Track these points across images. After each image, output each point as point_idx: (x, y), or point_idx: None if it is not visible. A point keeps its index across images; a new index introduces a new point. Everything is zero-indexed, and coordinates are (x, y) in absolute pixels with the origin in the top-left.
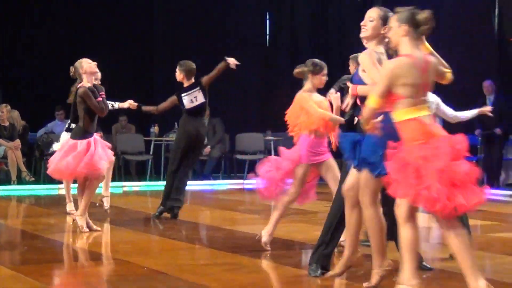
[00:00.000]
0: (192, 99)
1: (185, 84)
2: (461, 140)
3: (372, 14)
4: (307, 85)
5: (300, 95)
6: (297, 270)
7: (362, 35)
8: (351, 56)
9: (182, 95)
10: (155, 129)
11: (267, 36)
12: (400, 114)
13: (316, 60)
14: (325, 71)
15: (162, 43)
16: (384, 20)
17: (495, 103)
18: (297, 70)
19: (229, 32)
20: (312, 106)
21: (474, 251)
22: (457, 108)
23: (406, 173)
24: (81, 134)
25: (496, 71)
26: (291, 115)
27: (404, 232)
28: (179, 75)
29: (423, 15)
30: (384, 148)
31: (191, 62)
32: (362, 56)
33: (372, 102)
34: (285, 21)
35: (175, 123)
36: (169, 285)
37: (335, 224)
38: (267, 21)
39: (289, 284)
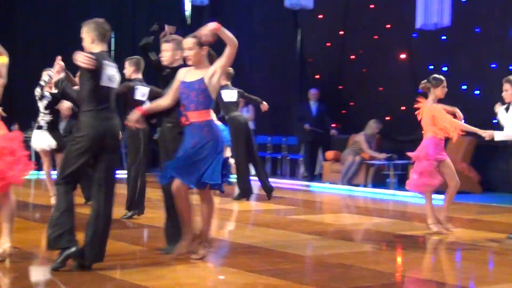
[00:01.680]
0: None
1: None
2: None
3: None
4: (431, 96)
5: (432, 106)
6: None
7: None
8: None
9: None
10: (15, 127)
11: (113, 52)
12: None
13: (436, 75)
14: (445, 83)
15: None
16: None
17: (318, 108)
18: (421, 85)
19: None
20: (445, 115)
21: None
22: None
23: None
24: None
25: (299, 86)
26: (425, 122)
27: None
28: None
29: None
30: None
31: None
32: None
33: None
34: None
35: (32, 122)
36: None
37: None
38: (112, 39)
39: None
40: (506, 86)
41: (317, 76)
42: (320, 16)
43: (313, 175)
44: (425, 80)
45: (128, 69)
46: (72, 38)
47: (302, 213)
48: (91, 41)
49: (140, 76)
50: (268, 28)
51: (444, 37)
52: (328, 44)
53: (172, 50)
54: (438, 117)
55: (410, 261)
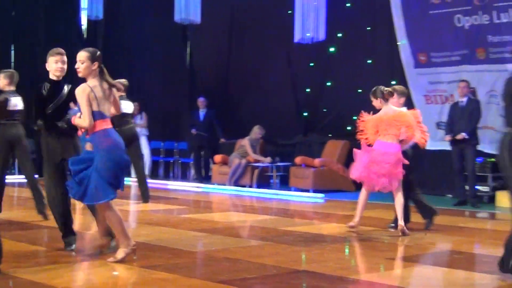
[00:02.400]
0: None
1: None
2: None
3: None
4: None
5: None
6: None
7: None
8: None
9: None
10: None
11: (12, 64)
12: None
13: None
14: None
15: None
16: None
17: (206, 115)
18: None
19: None
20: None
21: None
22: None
23: None
24: None
25: (188, 95)
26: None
27: None
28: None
29: None
30: None
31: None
32: None
33: None
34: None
35: None
36: None
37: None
38: (12, 51)
39: None
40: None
41: (206, 85)
42: (208, 30)
43: (202, 177)
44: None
45: (2, 81)
46: None
47: (193, 212)
48: None
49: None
50: (160, 41)
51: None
52: (216, 56)
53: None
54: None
55: (290, 254)
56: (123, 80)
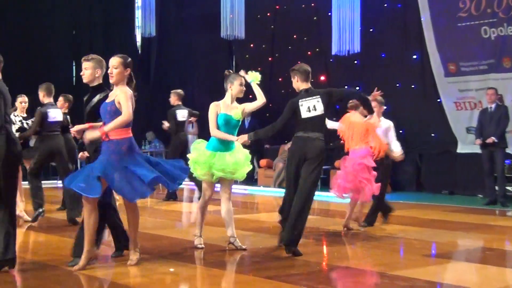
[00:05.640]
0: None
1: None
2: None
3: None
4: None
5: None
6: None
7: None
8: None
9: None
10: None
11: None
12: None
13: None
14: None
15: None
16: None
17: (250, 123)
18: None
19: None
20: None
21: None
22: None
23: None
24: None
25: None
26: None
27: None
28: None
29: None
30: None
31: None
32: None
33: None
34: None
35: None
36: None
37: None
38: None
39: None
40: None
41: (250, 96)
42: (252, 45)
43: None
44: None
45: (41, 94)
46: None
47: (241, 212)
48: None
49: (51, 100)
50: (207, 56)
51: (356, 61)
52: (259, 68)
53: (92, 68)
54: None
55: (332, 251)
56: (179, 90)
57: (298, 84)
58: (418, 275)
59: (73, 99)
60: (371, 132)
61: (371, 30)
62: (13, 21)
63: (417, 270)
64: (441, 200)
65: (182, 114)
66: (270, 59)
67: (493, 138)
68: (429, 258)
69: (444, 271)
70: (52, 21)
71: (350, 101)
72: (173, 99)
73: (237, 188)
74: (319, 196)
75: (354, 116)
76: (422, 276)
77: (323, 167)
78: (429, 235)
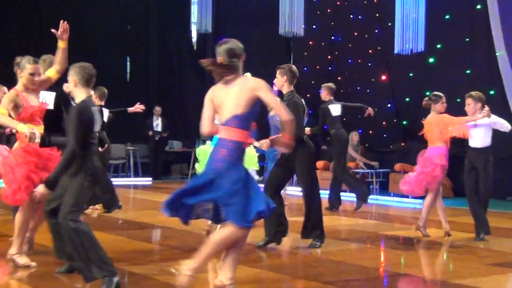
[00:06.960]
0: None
1: None
2: None
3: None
4: (433, 111)
5: (439, 117)
6: None
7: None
8: None
9: None
10: None
11: (128, 75)
12: None
13: (436, 92)
14: (444, 99)
15: None
16: None
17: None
18: (424, 102)
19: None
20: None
21: None
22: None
23: None
24: None
25: None
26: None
27: None
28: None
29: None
30: None
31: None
32: None
33: None
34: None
35: None
36: None
37: None
38: (127, 63)
39: None
40: (468, 100)
41: (308, 95)
42: (311, 43)
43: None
44: (427, 98)
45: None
46: None
47: (296, 215)
48: (74, 84)
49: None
50: (265, 53)
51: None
52: (318, 67)
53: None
54: (450, 122)
55: (391, 257)
56: (330, 84)
57: (286, 84)
58: (482, 284)
59: (127, 95)
60: (449, 124)
61: (435, 27)
62: (67, 18)
63: (481, 279)
64: (506, 207)
65: (336, 109)
66: (329, 57)
67: None
68: (493, 267)
69: (508, 281)
70: (106, 17)
71: (424, 99)
72: (324, 94)
73: (293, 190)
74: (378, 200)
75: (429, 116)
76: (486, 286)
77: (382, 170)
78: (494, 243)
